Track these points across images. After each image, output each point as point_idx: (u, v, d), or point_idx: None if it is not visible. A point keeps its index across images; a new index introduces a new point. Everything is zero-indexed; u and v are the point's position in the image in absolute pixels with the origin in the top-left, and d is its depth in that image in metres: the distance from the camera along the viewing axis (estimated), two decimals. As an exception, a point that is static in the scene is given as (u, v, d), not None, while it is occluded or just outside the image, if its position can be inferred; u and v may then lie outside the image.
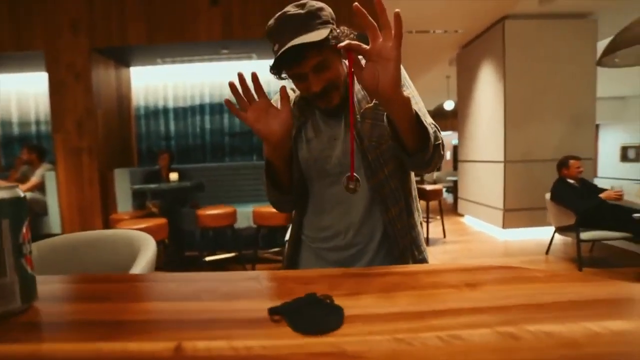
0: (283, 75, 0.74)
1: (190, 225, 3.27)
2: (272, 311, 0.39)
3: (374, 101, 0.75)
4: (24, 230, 0.43)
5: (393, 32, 0.52)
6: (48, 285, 0.50)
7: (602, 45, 3.48)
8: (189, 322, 0.38)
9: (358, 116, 0.75)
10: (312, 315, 0.38)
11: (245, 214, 3.20)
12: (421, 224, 0.85)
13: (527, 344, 0.32)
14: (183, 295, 0.46)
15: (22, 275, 0.43)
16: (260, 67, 3.41)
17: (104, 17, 3.32)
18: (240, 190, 3.78)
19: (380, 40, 0.53)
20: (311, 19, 0.67)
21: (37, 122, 4.17)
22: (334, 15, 0.71)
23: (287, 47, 0.63)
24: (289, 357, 0.31)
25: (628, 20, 2.92)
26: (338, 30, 0.69)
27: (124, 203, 3.39)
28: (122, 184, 3.37)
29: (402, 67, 0.72)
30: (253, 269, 3.14)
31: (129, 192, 3.37)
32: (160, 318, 0.39)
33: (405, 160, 0.68)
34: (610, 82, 6.83)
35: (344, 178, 0.67)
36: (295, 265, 0.88)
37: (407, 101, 0.58)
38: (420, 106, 0.73)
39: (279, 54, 0.65)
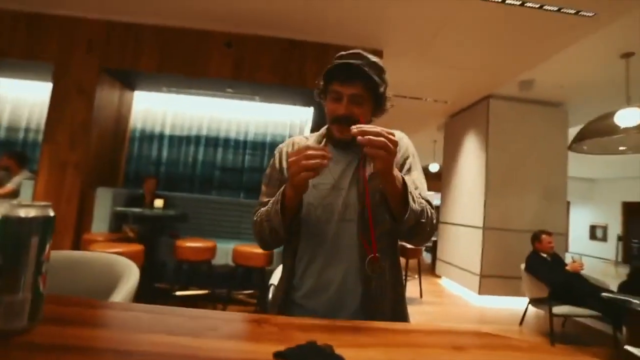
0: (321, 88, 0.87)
1: (166, 255, 3.15)
2: (278, 355, 0.41)
3: None
4: (48, 248, 0.44)
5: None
6: (46, 305, 0.50)
7: (573, 131, 3.87)
8: (196, 358, 0.39)
9: (368, 175, 0.83)
10: (317, 362, 0.40)
11: (224, 251, 3.12)
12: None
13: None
14: (188, 331, 0.47)
15: (35, 293, 0.43)
16: (262, 109, 3.52)
17: (119, 41, 3.47)
18: (222, 226, 3.73)
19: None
20: (378, 69, 0.83)
21: (27, 130, 4.11)
22: (387, 84, 0.86)
23: (352, 62, 0.78)
24: (298, 401, 0.33)
25: (594, 112, 3.31)
26: (388, 97, 0.86)
27: (100, 223, 3.26)
28: (103, 203, 3.27)
29: (414, 153, 0.90)
30: (224, 309, 2.99)
31: (107, 212, 3.27)
32: (167, 351, 0.40)
33: (394, 227, 0.79)
34: (580, 164, 7.44)
35: (367, 261, 0.75)
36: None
37: (398, 180, 0.71)
38: (422, 187, 0.86)
39: (343, 57, 0.81)
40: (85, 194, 3.36)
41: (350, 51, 0.84)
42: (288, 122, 4.20)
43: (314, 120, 3.94)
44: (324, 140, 0.91)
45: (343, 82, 0.80)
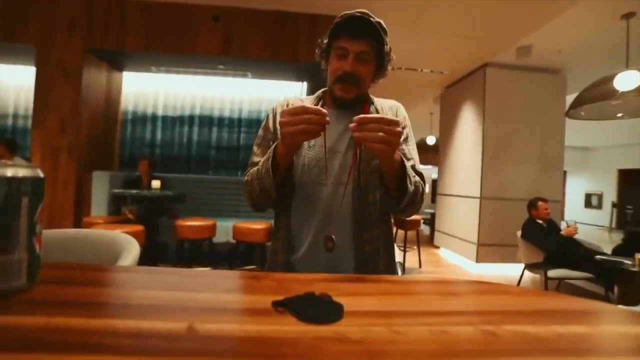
0: (324, 47, 0.86)
1: (166, 236, 3.18)
2: (276, 304, 0.42)
3: None
4: (39, 209, 0.44)
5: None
6: (46, 270, 0.50)
7: (570, 98, 3.83)
8: (197, 308, 0.40)
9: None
10: (315, 308, 0.41)
11: (224, 229, 3.15)
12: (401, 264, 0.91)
13: (505, 339, 0.36)
14: (187, 287, 0.48)
15: (31, 253, 0.43)
16: (255, 85, 3.44)
17: (103, 19, 3.33)
18: (221, 204, 3.74)
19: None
20: (383, 30, 0.81)
21: (15, 116, 4.02)
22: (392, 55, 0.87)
23: (362, 13, 0.77)
24: (296, 340, 0.34)
25: (593, 78, 3.27)
26: (392, 56, 0.86)
27: (98, 207, 3.27)
28: (100, 187, 3.26)
29: (409, 125, 0.88)
30: (227, 285, 3.05)
31: (105, 196, 3.26)
32: (168, 304, 0.41)
33: (386, 200, 0.79)
34: (576, 133, 7.42)
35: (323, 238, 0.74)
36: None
37: (397, 161, 0.70)
38: (416, 158, 0.86)
39: (353, 13, 0.77)
40: (82, 178, 3.34)
41: (356, 10, 0.80)
42: (282, 97, 4.13)
43: (308, 95, 3.87)
44: (320, 103, 0.90)
45: (351, 37, 0.79)
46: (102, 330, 0.34)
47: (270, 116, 0.91)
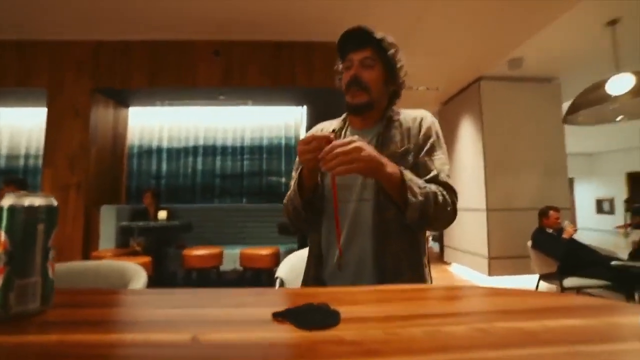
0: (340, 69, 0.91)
1: (174, 266, 3.18)
2: (276, 315, 0.44)
3: (402, 147, 0.85)
4: (53, 236, 0.47)
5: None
6: (59, 296, 0.53)
7: (567, 105, 3.87)
8: (200, 322, 0.42)
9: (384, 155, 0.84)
10: (312, 316, 0.43)
11: (232, 256, 3.15)
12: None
13: (495, 334, 0.37)
14: (191, 304, 0.50)
15: (45, 277, 0.46)
16: (256, 113, 3.54)
17: (109, 60, 3.51)
18: (227, 232, 3.76)
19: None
20: (385, 38, 0.86)
21: (27, 156, 4.16)
22: (400, 59, 0.89)
23: (358, 26, 0.83)
24: (297, 345, 0.36)
25: (588, 83, 3.32)
26: (399, 60, 0.88)
27: (107, 240, 3.30)
28: (108, 221, 3.31)
29: (438, 133, 0.88)
30: (236, 313, 3.01)
31: (113, 229, 3.30)
32: (173, 319, 0.43)
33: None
34: (580, 139, 7.40)
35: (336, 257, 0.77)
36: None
37: (392, 174, 0.72)
38: (442, 168, 0.84)
39: (349, 29, 0.83)
40: (90, 213, 3.40)
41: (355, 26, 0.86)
42: (282, 123, 4.24)
43: (308, 119, 3.97)
44: (346, 124, 0.95)
45: (354, 49, 0.85)
46: (112, 344, 0.36)
47: None
